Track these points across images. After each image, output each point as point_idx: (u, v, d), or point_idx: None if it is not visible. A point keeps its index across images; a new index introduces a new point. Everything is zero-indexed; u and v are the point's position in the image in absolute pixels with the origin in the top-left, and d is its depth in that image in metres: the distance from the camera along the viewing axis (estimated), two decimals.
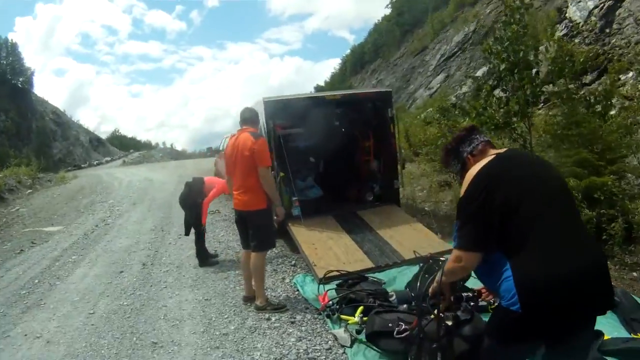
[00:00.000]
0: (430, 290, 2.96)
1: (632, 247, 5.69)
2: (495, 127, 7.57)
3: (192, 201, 7.22)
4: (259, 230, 5.20)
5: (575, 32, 15.41)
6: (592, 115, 6.70)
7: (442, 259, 5.16)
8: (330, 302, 4.89)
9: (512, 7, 7.39)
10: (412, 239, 6.76)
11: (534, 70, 7.21)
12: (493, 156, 2.51)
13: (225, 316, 5.15)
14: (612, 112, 7.38)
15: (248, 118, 5.45)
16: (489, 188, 2.34)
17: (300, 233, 7.06)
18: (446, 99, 20.88)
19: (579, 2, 16.42)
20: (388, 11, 45.03)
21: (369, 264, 6.13)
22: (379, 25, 46.91)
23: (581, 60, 7.72)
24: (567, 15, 17.00)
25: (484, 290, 3.55)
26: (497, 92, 7.95)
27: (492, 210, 2.30)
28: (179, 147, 62.93)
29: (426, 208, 9.64)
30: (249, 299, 5.43)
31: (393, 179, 8.58)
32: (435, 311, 2.95)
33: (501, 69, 7.30)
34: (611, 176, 5.93)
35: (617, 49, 12.88)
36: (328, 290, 5.23)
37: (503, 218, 2.28)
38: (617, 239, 5.53)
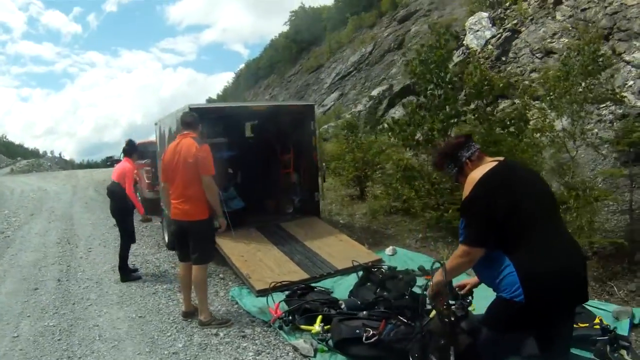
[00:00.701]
0: (433, 289, 3.04)
1: None
2: (417, 143, 8.00)
3: (123, 206, 6.94)
4: (201, 242, 4.98)
5: (471, 59, 16.29)
6: (507, 135, 7.32)
7: (384, 267, 5.49)
8: (283, 314, 4.79)
9: (438, 32, 8.21)
10: (340, 249, 6.86)
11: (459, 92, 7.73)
12: (496, 163, 2.78)
13: (168, 334, 4.84)
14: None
15: (190, 122, 5.19)
16: (495, 190, 2.65)
17: (227, 245, 6.85)
18: (341, 116, 21.34)
19: (477, 31, 17.44)
20: (286, 28, 45.46)
21: (303, 275, 6.11)
22: (275, 41, 47.07)
23: (500, 85, 8.48)
24: (464, 42, 17.99)
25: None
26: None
27: (496, 210, 2.59)
28: (66, 156, 58.84)
29: (341, 220, 9.69)
30: (188, 314, 5.17)
31: (314, 192, 8.53)
32: (445, 307, 3.05)
33: (428, 89, 7.73)
34: None
35: (513, 75, 13.79)
36: (278, 302, 5.12)
37: (505, 218, 2.58)
38: None
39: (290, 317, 4.71)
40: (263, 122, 9.34)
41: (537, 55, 13.64)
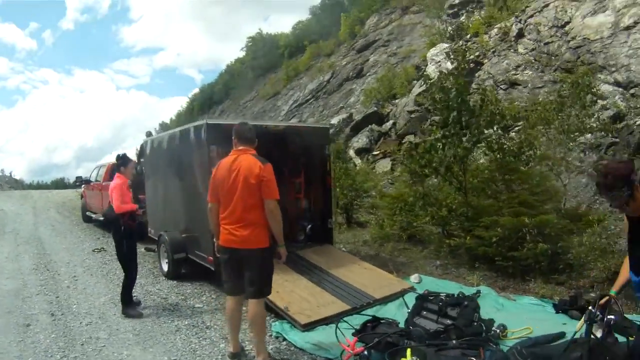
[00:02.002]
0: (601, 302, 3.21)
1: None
2: (435, 170, 8.01)
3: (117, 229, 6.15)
4: (262, 273, 4.33)
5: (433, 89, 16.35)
6: (518, 163, 7.47)
7: (442, 294, 5.16)
8: (365, 350, 4.28)
9: (458, 59, 8.68)
10: (370, 278, 6.52)
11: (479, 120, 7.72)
12: None
13: None
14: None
15: (250, 138, 4.53)
16: None
17: None
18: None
19: (438, 62, 17.60)
20: (242, 54, 45.26)
21: (343, 305, 5.68)
22: (231, 66, 46.81)
23: (513, 114, 8.55)
24: (425, 72, 18.06)
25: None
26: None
27: None
28: (16, 176, 56.45)
29: (343, 248, 9.25)
30: (236, 355, 4.57)
31: (326, 218, 8.20)
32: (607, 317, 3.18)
33: (452, 116, 7.67)
34: (552, 215, 6.64)
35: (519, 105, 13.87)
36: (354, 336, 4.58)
37: None
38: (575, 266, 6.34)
39: (367, 353, 4.28)
40: (280, 144, 8.73)
41: (501, 86, 13.79)
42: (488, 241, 6.87)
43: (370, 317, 4.90)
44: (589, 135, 9.16)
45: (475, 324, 4.48)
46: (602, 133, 9.39)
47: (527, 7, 14.89)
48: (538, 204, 7.02)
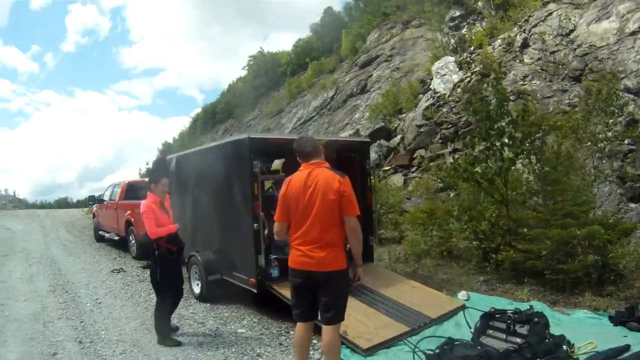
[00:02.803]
0: None
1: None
2: (477, 183, 7.96)
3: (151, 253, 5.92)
4: (339, 297, 4.05)
5: (442, 102, 16.46)
6: (558, 174, 7.39)
7: (509, 311, 4.94)
8: None
9: (496, 70, 8.00)
10: (421, 297, 6.41)
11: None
12: None
13: None
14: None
15: (310, 151, 4.20)
16: None
17: None
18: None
19: (444, 75, 17.70)
20: (244, 73, 45.43)
21: (402, 327, 5.52)
22: (233, 85, 46.93)
23: (550, 125, 8.30)
24: (431, 86, 18.18)
25: None
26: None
27: None
28: (20, 196, 57.17)
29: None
30: None
31: (367, 236, 7.78)
32: None
33: (495, 127, 7.72)
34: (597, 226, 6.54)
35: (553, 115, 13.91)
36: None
37: None
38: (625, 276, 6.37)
39: None
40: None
41: (510, 97, 13.80)
42: (537, 254, 6.76)
43: (445, 339, 4.78)
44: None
45: (547, 340, 4.39)
46: (618, 140, 9.41)
47: (531, 16, 15.00)
48: (582, 214, 6.99)
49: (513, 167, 7.87)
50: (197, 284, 7.68)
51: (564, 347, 4.43)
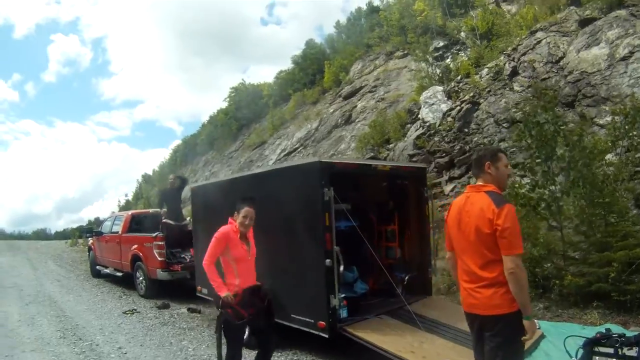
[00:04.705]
0: None
1: None
2: (534, 208, 7.99)
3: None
4: (509, 344, 3.40)
5: (433, 132, 16.40)
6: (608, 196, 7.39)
7: (614, 335, 4.49)
8: None
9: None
10: None
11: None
12: None
13: None
14: None
15: (477, 170, 3.68)
16: None
17: (382, 341, 5.48)
18: None
19: (432, 104, 17.70)
20: (224, 104, 45.25)
21: None
22: (214, 117, 46.62)
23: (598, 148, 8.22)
24: (420, 116, 18.15)
25: None
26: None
27: None
28: None
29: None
30: None
31: (426, 267, 7.57)
32: None
33: (557, 153, 7.81)
34: None
35: (482, 145, 13.85)
36: None
37: None
38: None
39: None
40: (385, 186, 8.07)
41: (503, 125, 13.82)
42: (603, 277, 6.64)
43: None
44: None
45: None
46: None
47: (519, 45, 15.15)
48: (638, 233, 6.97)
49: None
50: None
51: None
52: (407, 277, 7.41)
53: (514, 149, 12.86)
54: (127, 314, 9.35)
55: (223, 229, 4.97)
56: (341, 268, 5.96)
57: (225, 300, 4.66)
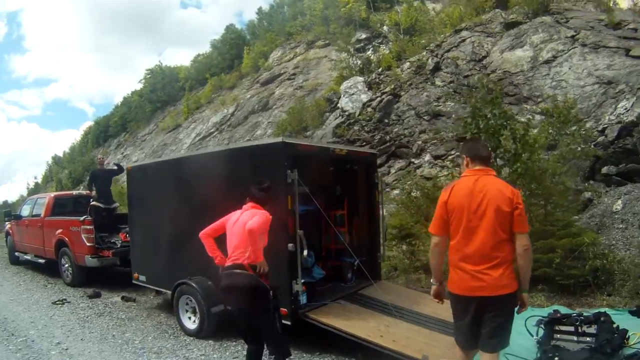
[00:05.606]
0: None
1: None
2: None
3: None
4: (508, 322, 3.44)
5: (353, 121, 15.81)
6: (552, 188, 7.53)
7: (573, 314, 4.87)
8: None
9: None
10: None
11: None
12: None
13: None
14: None
15: (486, 156, 3.66)
16: None
17: (349, 326, 5.15)
18: None
19: (352, 94, 17.09)
20: (139, 86, 42.85)
21: None
22: (128, 99, 43.96)
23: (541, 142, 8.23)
24: (339, 105, 17.52)
25: None
26: None
27: None
28: None
29: None
30: None
31: (376, 253, 7.13)
32: None
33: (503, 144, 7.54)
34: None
35: (403, 137, 13.38)
36: None
37: None
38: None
39: None
40: (337, 170, 7.55)
41: (424, 117, 13.37)
42: (547, 263, 6.75)
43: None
44: None
45: (615, 335, 4.38)
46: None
47: (443, 42, 14.80)
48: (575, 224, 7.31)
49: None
50: (191, 318, 6.26)
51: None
52: (356, 263, 6.92)
53: (435, 141, 12.72)
54: (57, 304, 8.17)
55: (263, 220, 4.26)
56: (305, 252, 5.58)
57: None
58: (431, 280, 3.72)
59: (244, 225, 4.16)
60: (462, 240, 3.45)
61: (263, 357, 4.32)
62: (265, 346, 4.34)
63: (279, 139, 5.58)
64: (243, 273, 4.13)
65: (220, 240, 4.43)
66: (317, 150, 6.71)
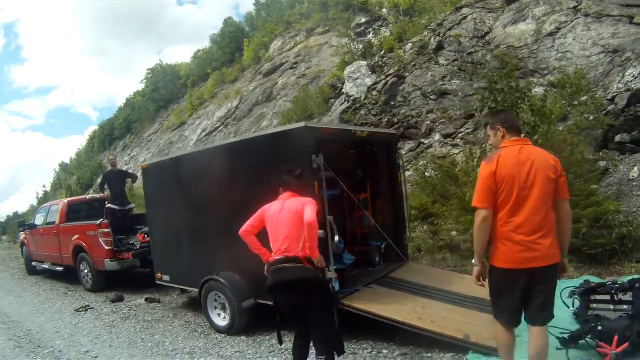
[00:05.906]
0: None
1: None
2: None
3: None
4: (554, 293, 3.47)
5: (359, 105, 15.77)
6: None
7: (608, 283, 4.81)
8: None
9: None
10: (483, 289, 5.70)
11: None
12: None
13: None
14: None
15: (519, 127, 3.75)
16: None
17: (385, 310, 5.08)
18: None
19: (356, 79, 17.05)
20: (141, 87, 42.76)
21: None
22: (131, 100, 43.91)
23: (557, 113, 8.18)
24: (343, 91, 17.49)
25: None
26: None
27: None
28: None
29: None
30: None
31: (402, 235, 7.10)
32: None
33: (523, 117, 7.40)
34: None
35: (410, 118, 13.36)
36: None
37: None
38: None
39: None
40: (361, 153, 7.44)
41: (431, 97, 13.34)
42: (574, 233, 6.59)
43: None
44: None
45: None
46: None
47: (445, 20, 14.71)
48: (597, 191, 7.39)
49: None
50: (221, 315, 6.20)
51: None
52: (383, 245, 6.89)
53: (443, 120, 12.69)
54: (80, 311, 8.13)
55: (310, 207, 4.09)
56: (336, 238, 5.35)
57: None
58: (473, 261, 3.60)
59: (294, 214, 3.99)
60: (512, 211, 3.33)
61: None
62: (312, 343, 4.06)
63: (302, 124, 5.45)
64: (301, 266, 3.89)
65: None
66: (338, 133, 6.64)
